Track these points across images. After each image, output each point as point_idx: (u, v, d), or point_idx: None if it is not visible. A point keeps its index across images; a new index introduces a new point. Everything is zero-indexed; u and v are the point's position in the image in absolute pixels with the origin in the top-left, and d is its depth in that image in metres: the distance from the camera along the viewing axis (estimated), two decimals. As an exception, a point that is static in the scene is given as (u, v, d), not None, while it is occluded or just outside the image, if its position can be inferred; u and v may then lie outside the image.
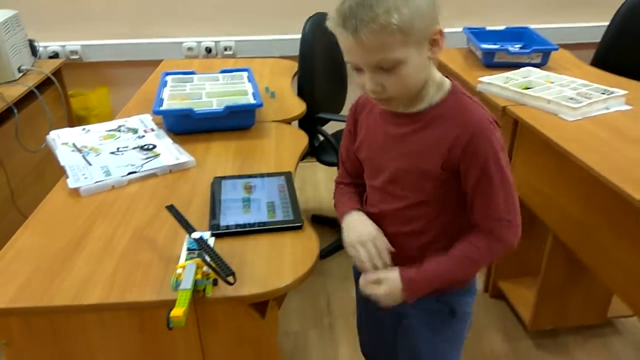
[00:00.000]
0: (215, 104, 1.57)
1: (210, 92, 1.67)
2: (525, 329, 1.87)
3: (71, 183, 1.25)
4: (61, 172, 1.33)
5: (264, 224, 1.10)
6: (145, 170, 1.32)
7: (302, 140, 1.53)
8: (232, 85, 1.73)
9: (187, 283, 0.84)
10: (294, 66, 2.20)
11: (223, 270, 0.86)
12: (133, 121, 1.60)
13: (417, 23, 0.80)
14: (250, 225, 1.09)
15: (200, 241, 0.92)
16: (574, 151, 1.37)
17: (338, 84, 2.32)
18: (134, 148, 1.43)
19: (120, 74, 2.75)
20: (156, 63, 2.31)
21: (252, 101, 1.58)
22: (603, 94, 1.65)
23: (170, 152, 1.40)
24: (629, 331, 1.89)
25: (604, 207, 1.34)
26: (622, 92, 1.65)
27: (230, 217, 1.12)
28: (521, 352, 1.82)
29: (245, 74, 1.83)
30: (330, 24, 0.83)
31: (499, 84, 1.77)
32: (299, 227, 1.10)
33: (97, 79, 2.74)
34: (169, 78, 1.77)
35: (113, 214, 1.17)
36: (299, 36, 2.08)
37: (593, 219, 1.38)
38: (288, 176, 1.29)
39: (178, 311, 0.78)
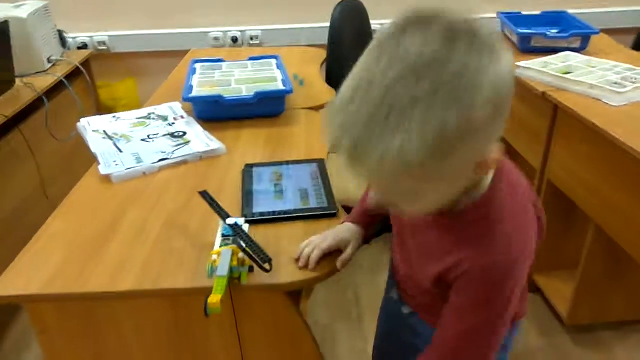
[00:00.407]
0: (245, 91, 1.54)
1: (239, 79, 1.64)
2: (561, 323, 1.81)
3: (103, 170, 1.23)
4: (90, 163, 1.33)
5: (298, 211, 1.06)
6: (176, 157, 1.30)
7: (333, 127, 1.49)
8: (261, 72, 1.70)
9: (223, 270, 0.82)
10: (322, 54, 2.16)
11: (260, 257, 0.83)
12: (163, 109, 1.58)
13: (454, 159, 0.55)
14: (284, 212, 1.06)
15: (236, 227, 0.89)
16: (621, 137, 1.30)
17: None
18: (164, 135, 1.41)
19: (146, 65, 2.75)
20: (182, 53, 2.29)
21: (282, 87, 1.55)
22: (650, 78, 1.57)
23: (201, 139, 1.38)
24: (674, 328, 1.81)
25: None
26: (671, 76, 1.56)
27: (263, 204, 1.09)
28: (557, 347, 1.76)
29: (274, 61, 1.80)
30: (327, 116, 0.57)
31: (537, 69, 1.70)
32: (334, 215, 1.06)
33: (124, 69, 2.75)
34: (197, 66, 1.75)
35: (145, 201, 1.15)
36: (326, 24, 2.04)
37: (641, 208, 1.31)
38: (320, 163, 1.25)
39: (215, 298, 0.76)
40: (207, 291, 0.87)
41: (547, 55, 1.86)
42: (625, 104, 1.48)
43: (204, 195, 1.00)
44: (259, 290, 0.89)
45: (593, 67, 1.71)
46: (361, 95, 0.54)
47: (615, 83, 1.56)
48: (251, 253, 0.84)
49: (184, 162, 1.31)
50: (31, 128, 1.98)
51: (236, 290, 0.88)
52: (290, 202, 1.10)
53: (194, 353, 0.98)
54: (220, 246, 0.89)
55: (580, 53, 1.88)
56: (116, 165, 1.26)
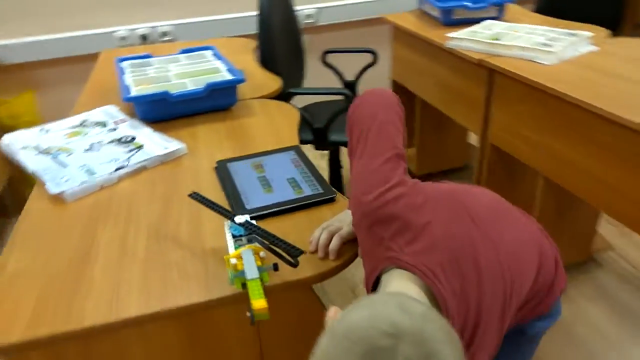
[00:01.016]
0: (190, 85, 1.42)
1: (179, 74, 1.51)
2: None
3: (52, 188, 1.06)
4: None
5: (296, 200, 0.99)
6: (133, 164, 1.16)
7: (293, 113, 1.42)
8: (198, 65, 1.58)
9: (252, 272, 0.73)
10: (249, 43, 2.07)
11: (290, 252, 0.76)
12: (96, 114, 1.41)
13: None
14: (281, 204, 0.98)
15: (249, 225, 0.81)
16: (566, 91, 1.39)
17: (296, 57, 2.22)
18: (110, 142, 1.26)
19: (46, 75, 2.45)
20: (86, 58, 2.07)
21: (231, 77, 1.45)
22: (571, 36, 1.69)
23: (155, 142, 1.24)
24: (610, 264, 1.99)
25: (600, 140, 1.35)
26: (588, 33, 1.70)
27: (254, 200, 1.01)
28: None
29: (209, 52, 1.68)
30: None
31: (470, 38, 1.76)
32: (333, 200, 1.01)
33: (21, 82, 2.42)
34: (125, 64, 1.58)
35: (114, 216, 1.01)
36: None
37: (587, 153, 1.40)
38: (298, 150, 1.19)
39: (261, 303, 0.67)
40: (227, 301, 0.79)
41: (467, 26, 1.93)
42: (557, 62, 1.59)
43: (197, 197, 0.90)
44: (284, 289, 0.81)
45: (517, 32, 1.82)
46: None
47: (543, 44, 1.66)
48: (278, 250, 0.77)
49: (143, 169, 1.17)
50: None
51: (260, 294, 0.80)
52: (283, 193, 1.02)
53: (213, 372, 0.88)
54: (235, 248, 0.79)
55: (499, 21, 1.99)
56: (66, 181, 1.09)
